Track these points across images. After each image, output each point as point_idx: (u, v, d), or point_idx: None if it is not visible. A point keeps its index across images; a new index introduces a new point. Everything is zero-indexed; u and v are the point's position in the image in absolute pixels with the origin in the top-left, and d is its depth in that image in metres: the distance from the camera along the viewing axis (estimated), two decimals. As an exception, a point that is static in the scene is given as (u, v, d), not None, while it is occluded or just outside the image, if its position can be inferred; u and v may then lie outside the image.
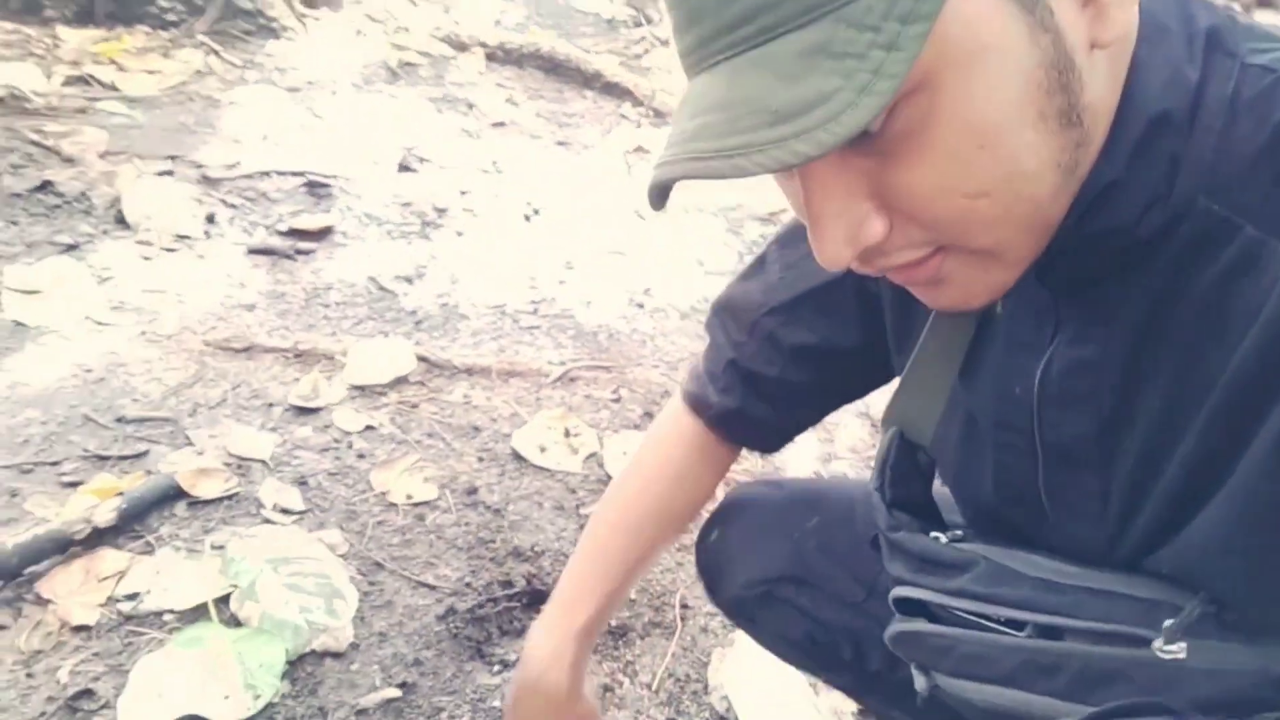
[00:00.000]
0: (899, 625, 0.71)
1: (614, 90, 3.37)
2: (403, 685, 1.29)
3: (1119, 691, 0.58)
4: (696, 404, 0.90)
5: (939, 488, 0.75)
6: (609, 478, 1.71)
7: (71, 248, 2.13)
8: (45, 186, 2.30)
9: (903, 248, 0.52)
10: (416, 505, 1.58)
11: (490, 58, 3.47)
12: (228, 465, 1.61)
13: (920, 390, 0.71)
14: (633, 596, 1.47)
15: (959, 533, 0.69)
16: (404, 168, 2.72)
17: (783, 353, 0.83)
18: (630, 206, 2.68)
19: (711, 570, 0.99)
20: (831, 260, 0.51)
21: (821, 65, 0.43)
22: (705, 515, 1.02)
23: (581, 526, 1.59)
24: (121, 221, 2.24)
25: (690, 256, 2.47)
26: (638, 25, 4.04)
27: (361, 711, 1.26)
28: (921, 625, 0.69)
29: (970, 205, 0.49)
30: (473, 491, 1.63)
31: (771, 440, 0.92)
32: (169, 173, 2.46)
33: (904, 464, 0.72)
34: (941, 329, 0.68)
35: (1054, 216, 0.53)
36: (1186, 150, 0.52)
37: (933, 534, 0.70)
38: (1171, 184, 0.52)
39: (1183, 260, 0.54)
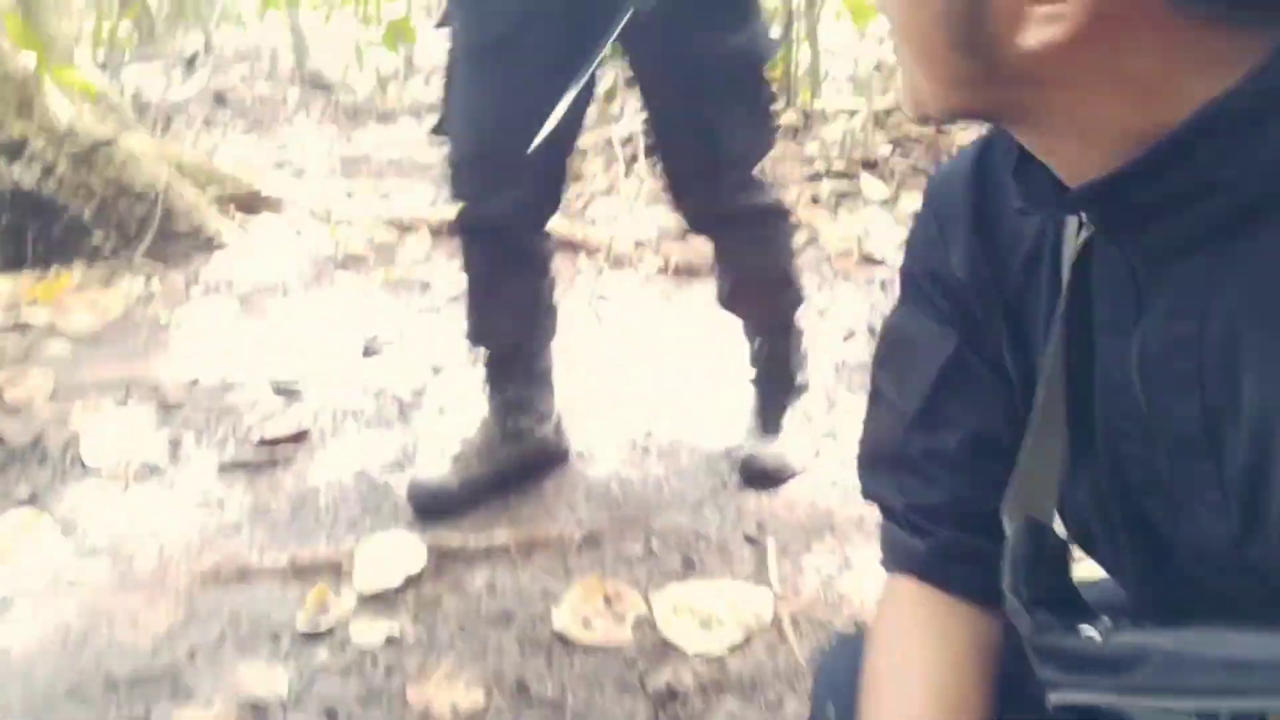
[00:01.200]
0: None
1: (566, 246, 3.34)
2: None
3: None
4: (904, 561, 0.77)
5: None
6: (664, 641, 1.54)
7: (29, 501, 1.96)
8: (-7, 442, 2.14)
9: None
10: (466, 718, 1.40)
11: (436, 233, 3.44)
12: (242, 712, 1.41)
13: (1038, 451, 0.66)
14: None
15: (1108, 622, 0.62)
16: (369, 352, 2.62)
17: (949, 464, 0.74)
18: (607, 354, 2.60)
19: None
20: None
21: None
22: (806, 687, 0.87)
23: (653, 703, 1.42)
24: (80, 463, 2.09)
25: (688, 391, 2.38)
26: (575, 181, 4.08)
27: None
28: None
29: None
30: (523, 689, 1.45)
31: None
32: (124, 404, 2.32)
33: (1035, 554, 0.66)
34: (1047, 371, 0.64)
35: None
36: None
37: (1084, 633, 0.62)
38: None
39: None
